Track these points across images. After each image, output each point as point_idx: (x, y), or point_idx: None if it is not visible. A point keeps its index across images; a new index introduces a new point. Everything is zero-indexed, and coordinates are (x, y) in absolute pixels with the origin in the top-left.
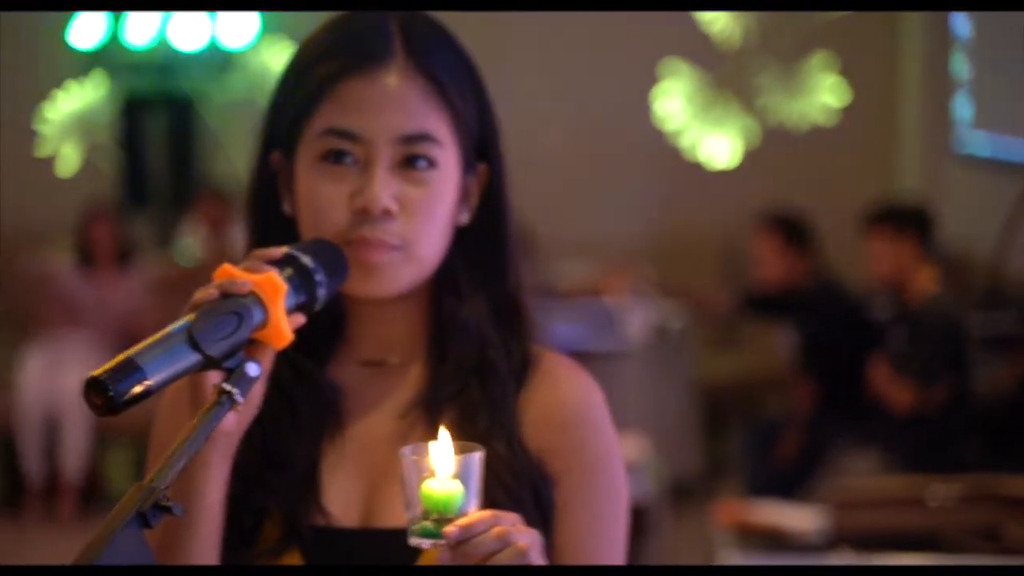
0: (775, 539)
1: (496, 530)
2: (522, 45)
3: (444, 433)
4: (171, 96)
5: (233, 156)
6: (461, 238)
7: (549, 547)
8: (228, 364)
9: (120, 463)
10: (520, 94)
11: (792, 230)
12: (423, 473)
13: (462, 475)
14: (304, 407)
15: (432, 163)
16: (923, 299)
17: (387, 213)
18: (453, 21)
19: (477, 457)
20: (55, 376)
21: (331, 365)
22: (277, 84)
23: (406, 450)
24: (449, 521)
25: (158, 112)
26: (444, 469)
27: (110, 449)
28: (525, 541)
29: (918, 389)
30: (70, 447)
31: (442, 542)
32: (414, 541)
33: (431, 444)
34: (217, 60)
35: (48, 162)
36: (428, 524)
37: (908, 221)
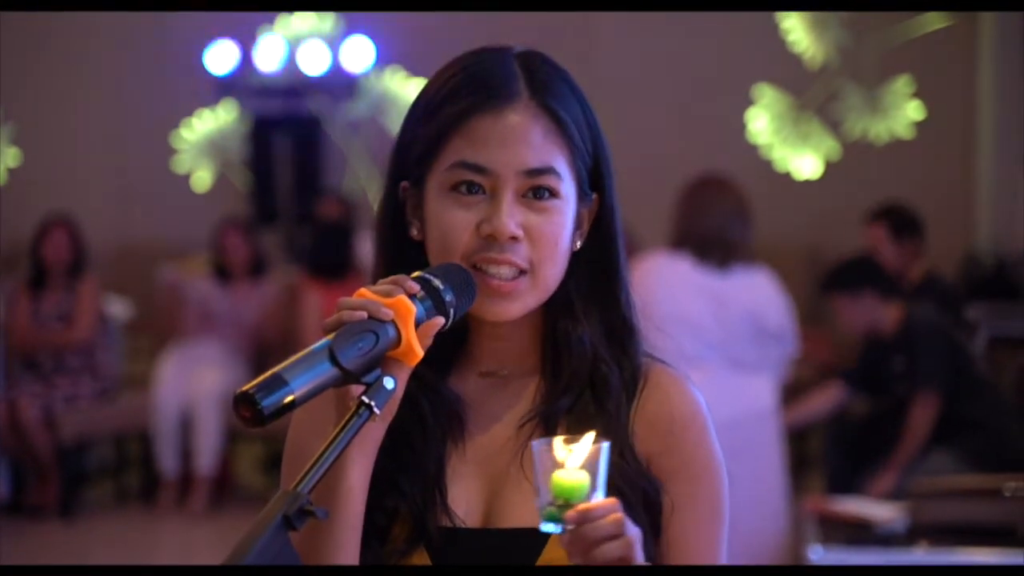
0: (859, 529)
1: (613, 516)
2: (629, 76)
3: (589, 435)
4: (297, 117)
5: (356, 171)
6: (574, 263)
7: (656, 547)
8: (367, 379)
9: (249, 459)
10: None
11: None
12: (553, 465)
13: (589, 466)
14: (430, 415)
15: (554, 194)
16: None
17: (513, 239)
18: (559, 56)
19: (602, 448)
20: (190, 378)
21: (453, 377)
22: (406, 118)
23: (536, 443)
24: (574, 508)
25: (285, 132)
26: (573, 460)
27: (240, 446)
28: (634, 534)
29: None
30: (203, 444)
31: (567, 527)
32: (541, 527)
33: (558, 437)
34: (340, 84)
35: (185, 181)
36: (553, 509)
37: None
